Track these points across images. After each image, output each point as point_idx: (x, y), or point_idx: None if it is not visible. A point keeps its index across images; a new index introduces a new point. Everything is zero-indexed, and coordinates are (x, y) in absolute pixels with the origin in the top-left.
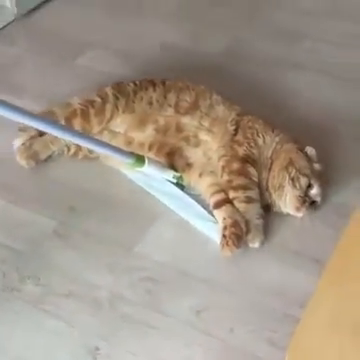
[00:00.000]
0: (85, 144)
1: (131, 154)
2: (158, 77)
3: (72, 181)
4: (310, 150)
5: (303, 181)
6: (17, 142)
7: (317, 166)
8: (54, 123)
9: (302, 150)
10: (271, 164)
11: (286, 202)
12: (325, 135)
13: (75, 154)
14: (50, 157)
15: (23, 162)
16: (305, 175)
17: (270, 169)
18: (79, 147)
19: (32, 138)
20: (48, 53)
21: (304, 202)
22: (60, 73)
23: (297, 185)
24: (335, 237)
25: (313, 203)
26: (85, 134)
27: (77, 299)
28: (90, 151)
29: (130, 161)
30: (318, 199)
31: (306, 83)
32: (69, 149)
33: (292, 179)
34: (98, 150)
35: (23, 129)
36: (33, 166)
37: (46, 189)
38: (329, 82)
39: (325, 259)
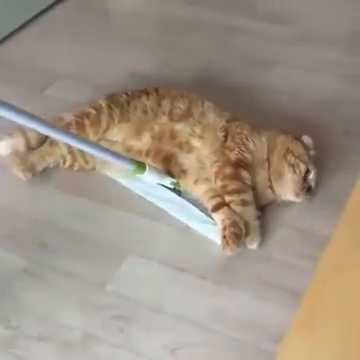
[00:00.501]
0: (88, 150)
1: (132, 161)
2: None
3: (42, 216)
4: (306, 139)
5: (302, 167)
6: (2, 149)
7: (313, 153)
8: (58, 128)
9: (298, 139)
10: (269, 164)
11: (286, 189)
12: None
13: (71, 166)
14: (46, 169)
15: (20, 174)
16: (303, 161)
17: (269, 168)
18: (74, 159)
19: (22, 152)
20: (16, 85)
21: (303, 188)
22: (29, 105)
23: (297, 171)
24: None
25: (309, 190)
26: (88, 140)
27: (49, 341)
28: (86, 162)
29: (132, 167)
30: (312, 184)
31: (279, 108)
32: (65, 161)
33: (292, 166)
34: (101, 156)
35: (11, 134)
36: (30, 178)
37: (15, 226)
38: (302, 107)
39: (302, 290)
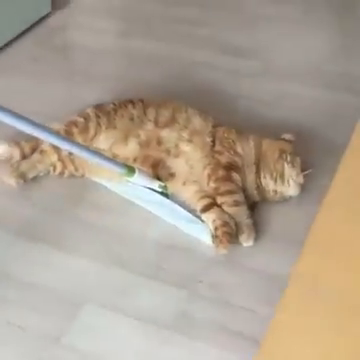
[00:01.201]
0: (80, 153)
1: (123, 164)
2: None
3: None
4: (288, 136)
5: (298, 159)
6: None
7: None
8: (50, 131)
9: (280, 139)
10: (258, 166)
11: (290, 185)
12: None
13: (61, 173)
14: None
15: (12, 181)
16: (296, 155)
17: (258, 171)
18: (64, 166)
19: (22, 155)
20: None
21: (302, 177)
22: None
23: (296, 165)
24: None
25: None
26: (80, 144)
27: None
28: (76, 169)
29: (122, 171)
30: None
31: None
32: (55, 168)
33: (290, 162)
34: (92, 160)
35: (18, 145)
36: (22, 184)
37: None
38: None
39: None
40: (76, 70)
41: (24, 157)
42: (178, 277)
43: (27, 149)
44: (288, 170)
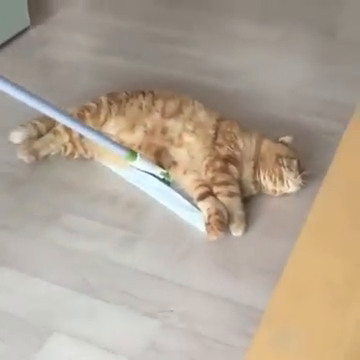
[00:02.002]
0: (85, 133)
1: (125, 148)
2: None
3: None
4: (287, 139)
5: (295, 162)
6: (16, 138)
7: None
8: (57, 109)
9: (278, 141)
10: (256, 163)
11: (289, 185)
12: None
13: (71, 154)
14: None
15: (24, 158)
16: (293, 158)
17: (255, 167)
18: (75, 147)
19: (31, 138)
20: None
21: (300, 178)
22: None
23: (293, 168)
24: None
25: (303, 176)
26: (87, 125)
27: None
28: (85, 151)
29: (124, 154)
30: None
31: None
32: (66, 149)
33: (287, 166)
34: (97, 141)
35: (24, 125)
36: (33, 161)
37: None
38: None
39: None
40: (54, 85)
41: (40, 136)
42: (149, 305)
43: (43, 130)
44: (286, 173)
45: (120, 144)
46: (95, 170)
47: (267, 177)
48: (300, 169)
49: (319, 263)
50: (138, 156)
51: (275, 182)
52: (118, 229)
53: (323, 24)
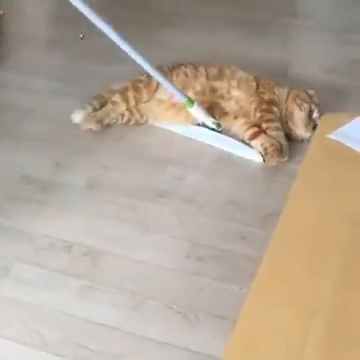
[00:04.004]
0: (157, 77)
1: (185, 95)
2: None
3: None
4: (311, 91)
5: (306, 106)
6: (77, 118)
7: (315, 99)
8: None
9: (305, 91)
10: (286, 108)
11: (295, 122)
12: None
13: (128, 121)
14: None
15: (93, 125)
16: (307, 102)
17: (287, 110)
18: (132, 114)
19: (95, 109)
20: None
21: (309, 123)
22: None
23: (302, 108)
24: None
25: (315, 127)
26: (157, 70)
27: None
28: (141, 116)
29: (184, 99)
30: (317, 122)
31: (172, 214)
32: (123, 117)
33: (299, 106)
34: (165, 84)
35: (82, 107)
36: (99, 129)
37: None
38: (197, 212)
39: None
40: (3, 135)
41: (96, 110)
42: (104, 358)
43: (98, 104)
44: (297, 112)
45: (180, 89)
46: (46, 216)
47: (288, 115)
48: (313, 117)
49: (271, 313)
50: (195, 103)
51: (290, 118)
52: (72, 278)
53: None
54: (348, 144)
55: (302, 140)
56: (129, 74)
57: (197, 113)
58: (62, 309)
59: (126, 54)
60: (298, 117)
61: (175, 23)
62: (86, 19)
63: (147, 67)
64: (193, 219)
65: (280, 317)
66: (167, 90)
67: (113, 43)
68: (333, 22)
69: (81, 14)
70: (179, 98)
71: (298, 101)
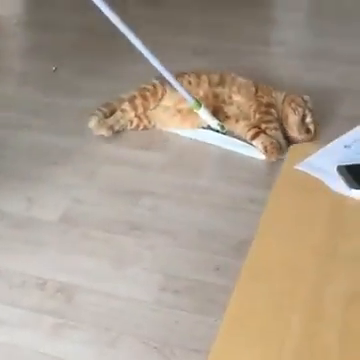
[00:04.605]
0: (169, 77)
1: (194, 97)
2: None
3: None
4: (305, 97)
5: (300, 110)
6: (91, 123)
7: (309, 104)
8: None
9: (300, 97)
10: (282, 111)
11: (290, 126)
12: None
13: (136, 126)
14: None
15: (104, 132)
16: (301, 106)
17: (282, 113)
18: (140, 120)
19: (105, 116)
20: None
21: (302, 127)
22: None
23: (296, 112)
24: None
25: (308, 131)
26: (169, 72)
27: None
28: (149, 122)
29: (192, 101)
30: (311, 127)
31: (146, 246)
32: (131, 123)
33: (293, 109)
34: (175, 86)
35: (95, 111)
36: (110, 135)
37: None
38: (170, 243)
39: None
40: None
41: (107, 117)
42: None
43: (108, 112)
44: (291, 116)
45: (188, 91)
46: (19, 252)
47: (283, 118)
48: (306, 121)
49: (240, 347)
50: (202, 105)
51: (284, 121)
52: (46, 316)
53: None
54: (315, 175)
55: (297, 141)
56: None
57: (204, 115)
58: (37, 349)
59: (98, 86)
60: (292, 120)
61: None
62: (58, 51)
63: (162, 69)
64: (167, 251)
65: (249, 351)
66: (174, 96)
67: (85, 75)
68: (304, 49)
69: (54, 46)
70: (188, 100)
71: (293, 105)
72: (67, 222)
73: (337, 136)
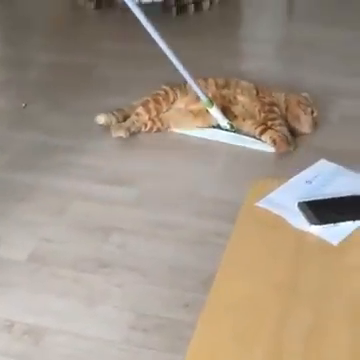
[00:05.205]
0: (184, 73)
1: (207, 95)
2: None
3: None
4: (305, 94)
5: (309, 109)
6: (101, 120)
7: (310, 100)
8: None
9: (300, 94)
10: (286, 109)
11: (302, 124)
12: None
13: (150, 129)
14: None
15: (122, 133)
16: (309, 105)
17: (287, 110)
18: (154, 123)
19: (118, 121)
20: None
21: (312, 122)
22: None
23: (307, 112)
24: None
25: (315, 124)
26: (185, 68)
27: None
28: (162, 124)
29: (205, 99)
30: (317, 120)
31: (114, 284)
32: (146, 126)
33: (304, 110)
34: (190, 82)
35: (106, 112)
36: (128, 136)
37: None
38: (137, 280)
39: None
40: None
41: (118, 122)
42: None
43: (120, 117)
44: (302, 115)
45: (204, 91)
46: None
47: (290, 116)
48: (313, 117)
49: None
50: (214, 104)
51: (294, 121)
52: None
53: None
54: (275, 211)
55: (304, 134)
56: (72, 145)
57: (215, 113)
58: None
59: (66, 121)
60: (304, 120)
61: (119, 89)
62: (28, 88)
63: (181, 69)
64: (136, 288)
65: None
66: (185, 98)
67: (54, 111)
68: (274, 79)
69: (24, 83)
70: (202, 97)
71: (302, 106)
72: (36, 261)
73: (303, 168)
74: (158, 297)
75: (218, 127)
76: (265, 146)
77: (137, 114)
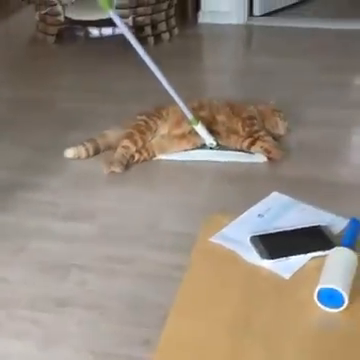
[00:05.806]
0: (173, 93)
1: (193, 113)
2: None
3: None
4: (273, 102)
5: (282, 114)
6: (69, 154)
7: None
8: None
9: (268, 103)
10: (263, 120)
11: (281, 129)
12: None
13: (138, 161)
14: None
15: (117, 169)
16: (280, 111)
17: (264, 121)
18: (141, 154)
19: (88, 153)
20: None
21: (286, 125)
22: None
23: (281, 116)
24: None
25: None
26: (174, 89)
27: None
28: (148, 154)
29: (190, 117)
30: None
31: (72, 323)
32: (133, 157)
33: (280, 117)
34: (177, 101)
35: (75, 146)
36: (123, 170)
37: None
38: (95, 319)
39: None
40: None
41: (89, 156)
42: None
43: (91, 148)
44: (279, 121)
45: (188, 107)
46: None
47: (268, 124)
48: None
49: None
50: (199, 122)
51: (273, 127)
52: None
53: None
54: (229, 246)
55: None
56: (32, 182)
57: (200, 131)
58: None
59: (27, 158)
60: (281, 125)
61: (81, 123)
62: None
63: (169, 88)
64: (95, 327)
65: None
66: (165, 125)
67: (14, 146)
68: None
69: None
70: (187, 115)
71: (277, 114)
72: None
73: (256, 202)
74: (117, 335)
75: (203, 147)
76: (254, 157)
77: (124, 147)
